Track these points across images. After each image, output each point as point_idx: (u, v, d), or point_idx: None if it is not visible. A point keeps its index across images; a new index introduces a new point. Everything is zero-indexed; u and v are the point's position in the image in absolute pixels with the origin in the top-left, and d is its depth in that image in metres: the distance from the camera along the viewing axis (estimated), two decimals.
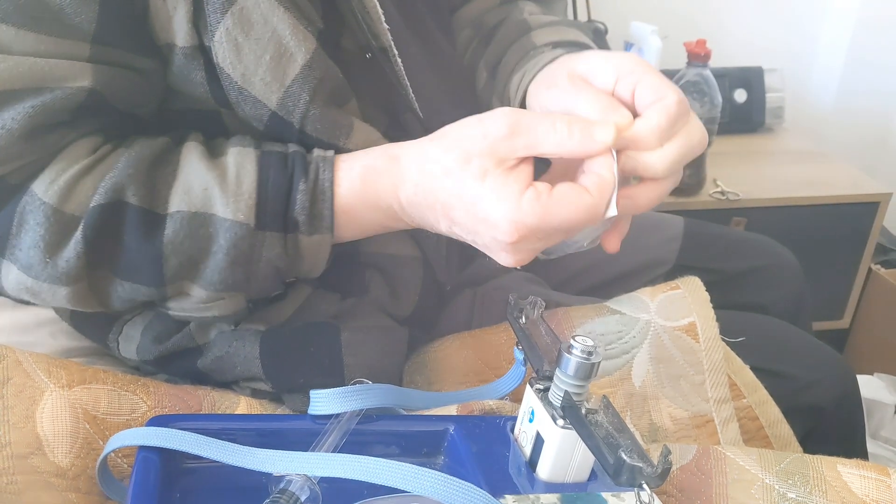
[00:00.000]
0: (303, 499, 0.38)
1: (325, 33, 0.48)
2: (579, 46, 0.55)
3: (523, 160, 0.43)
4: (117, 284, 0.47)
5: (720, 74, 1.27)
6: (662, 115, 0.44)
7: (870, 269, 1.34)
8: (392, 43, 0.50)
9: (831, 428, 0.70)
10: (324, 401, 0.45)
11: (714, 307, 0.63)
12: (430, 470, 0.37)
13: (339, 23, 0.49)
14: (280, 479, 0.39)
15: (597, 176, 0.43)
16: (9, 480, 0.42)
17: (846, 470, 0.49)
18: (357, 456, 0.39)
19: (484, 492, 0.37)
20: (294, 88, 0.46)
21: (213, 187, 0.45)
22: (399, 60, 0.51)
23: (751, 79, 1.41)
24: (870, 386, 1.21)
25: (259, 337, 0.54)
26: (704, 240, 0.79)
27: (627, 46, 1.34)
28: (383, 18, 0.49)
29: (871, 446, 1.07)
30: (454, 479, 0.37)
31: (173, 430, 0.42)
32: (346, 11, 0.49)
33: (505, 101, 0.57)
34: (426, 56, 0.59)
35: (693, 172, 1.22)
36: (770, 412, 0.61)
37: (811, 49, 1.58)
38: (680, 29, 1.38)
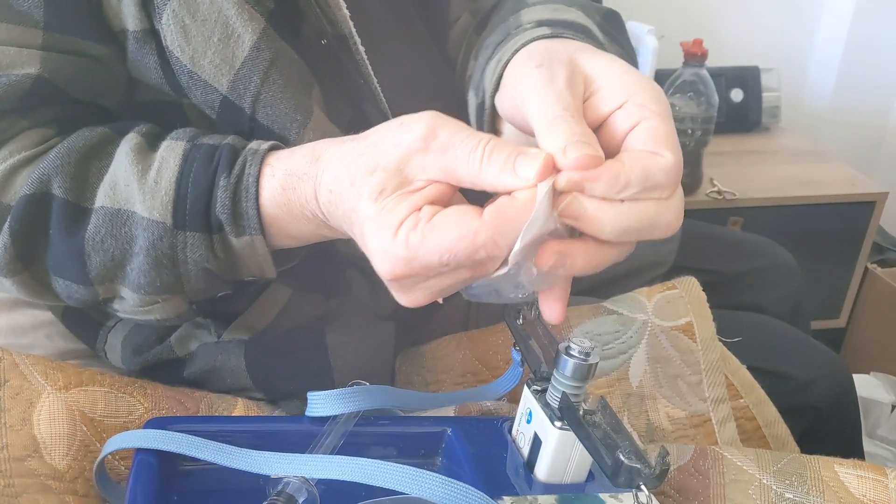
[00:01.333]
0: (300, 501, 0.38)
1: (278, 15, 0.46)
2: (574, 28, 0.45)
3: (432, 183, 0.36)
4: (53, 280, 0.45)
5: (716, 74, 1.28)
6: (645, 170, 0.34)
7: (866, 269, 1.35)
8: (353, 31, 0.49)
9: (828, 427, 0.70)
10: (321, 403, 0.45)
11: (712, 307, 0.63)
12: (427, 472, 0.37)
13: (293, 5, 0.47)
14: (278, 481, 0.39)
15: (499, 202, 0.35)
16: (6, 483, 0.42)
17: (843, 470, 0.49)
18: (354, 458, 0.39)
19: (482, 493, 0.37)
20: (244, 71, 0.44)
21: (132, 183, 0.43)
22: (362, 49, 0.49)
23: (747, 78, 1.42)
24: (866, 385, 1.21)
25: (243, 348, 0.54)
26: (703, 241, 0.79)
27: None
28: (344, 5, 0.48)
29: (867, 445, 1.07)
30: (452, 480, 0.37)
31: (170, 432, 0.42)
32: None
33: (479, 93, 0.48)
34: (408, 50, 0.57)
35: (690, 172, 1.22)
36: (767, 412, 0.61)
37: (807, 48, 1.58)
38: (676, 28, 1.38)
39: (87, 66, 0.45)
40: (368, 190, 0.36)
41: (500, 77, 0.42)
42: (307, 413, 0.45)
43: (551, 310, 0.39)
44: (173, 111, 0.49)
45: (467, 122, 0.65)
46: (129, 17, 0.44)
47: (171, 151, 0.43)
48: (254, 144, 0.44)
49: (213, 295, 0.47)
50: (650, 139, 0.35)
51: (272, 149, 0.43)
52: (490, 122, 0.45)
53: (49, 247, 0.44)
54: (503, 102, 0.42)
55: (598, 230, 0.35)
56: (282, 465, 0.40)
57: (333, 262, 0.55)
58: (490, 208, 0.35)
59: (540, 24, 0.46)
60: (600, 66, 0.38)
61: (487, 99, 0.44)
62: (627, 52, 0.50)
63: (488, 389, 0.53)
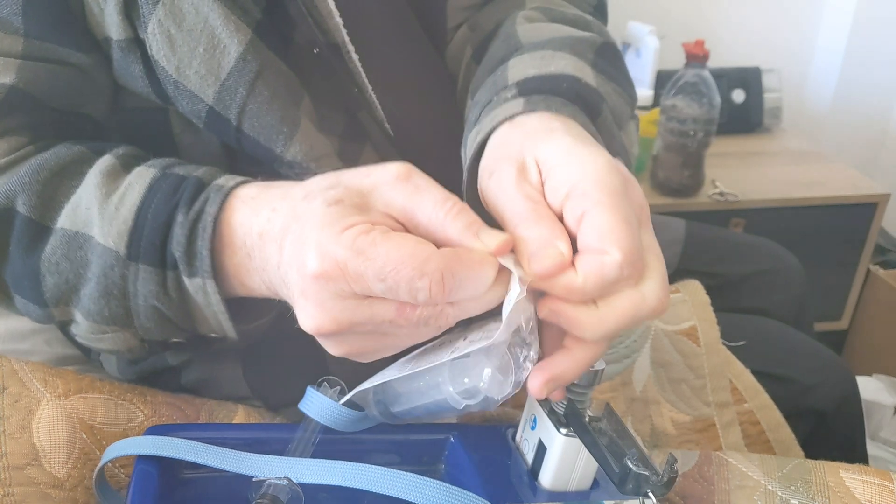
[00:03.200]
0: (285, 501, 0.38)
1: (266, 25, 0.45)
2: (558, 84, 0.43)
3: (389, 218, 0.35)
4: (13, 295, 0.44)
5: (718, 75, 1.27)
6: (597, 273, 0.33)
7: (868, 270, 1.34)
8: (347, 39, 0.48)
9: (832, 431, 0.70)
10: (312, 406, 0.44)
11: (715, 311, 0.63)
12: (430, 479, 0.37)
13: (284, 15, 0.47)
14: (260, 483, 0.39)
15: (457, 248, 0.34)
16: (5, 492, 0.41)
17: (849, 475, 0.48)
18: (357, 464, 0.39)
19: (484, 501, 0.37)
20: (230, 82, 0.44)
21: (94, 206, 0.41)
22: (356, 58, 0.49)
23: (748, 79, 1.42)
24: (869, 387, 1.20)
25: (240, 358, 0.53)
26: (706, 243, 0.78)
27: (624, 47, 1.34)
28: (336, 14, 0.47)
29: (870, 448, 1.07)
30: (455, 488, 0.37)
31: (170, 438, 0.42)
32: (290, 4, 0.46)
33: (465, 158, 0.45)
34: (405, 58, 0.56)
35: (692, 173, 1.22)
36: (772, 416, 0.61)
37: (808, 49, 1.58)
38: (677, 29, 1.38)
39: (67, 74, 0.44)
40: (324, 197, 0.35)
41: (476, 156, 0.42)
42: (300, 406, 0.44)
43: (535, 384, 0.37)
44: (160, 118, 0.48)
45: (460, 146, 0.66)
46: (113, 25, 0.43)
47: (139, 178, 0.42)
48: (221, 180, 0.42)
49: (165, 338, 0.44)
50: (594, 236, 0.34)
51: (242, 184, 0.41)
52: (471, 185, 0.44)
53: (8, 262, 0.43)
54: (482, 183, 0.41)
55: (580, 332, 0.35)
56: (282, 468, 0.39)
57: None
58: (447, 249, 0.34)
59: (520, 86, 0.44)
60: (547, 152, 0.37)
61: (465, 173, 0.44)
62: (623, 87, 0.49)
63: None
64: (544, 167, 0.36)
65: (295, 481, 0.39)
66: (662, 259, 0.36)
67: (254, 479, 0.39)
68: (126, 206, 0.41)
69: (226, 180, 0.41)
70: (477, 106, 0.47)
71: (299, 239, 0.35)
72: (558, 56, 0.46)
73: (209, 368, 0.53)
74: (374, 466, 0.38)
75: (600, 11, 0.59)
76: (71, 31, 0.44)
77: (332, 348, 0.37)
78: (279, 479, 0.39)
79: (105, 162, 0.43)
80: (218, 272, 0.39)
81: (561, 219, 0.35)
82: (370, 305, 0.34)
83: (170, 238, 0.40)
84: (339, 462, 0.40)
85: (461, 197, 0.39)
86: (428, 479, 0.37)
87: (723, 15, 1.51)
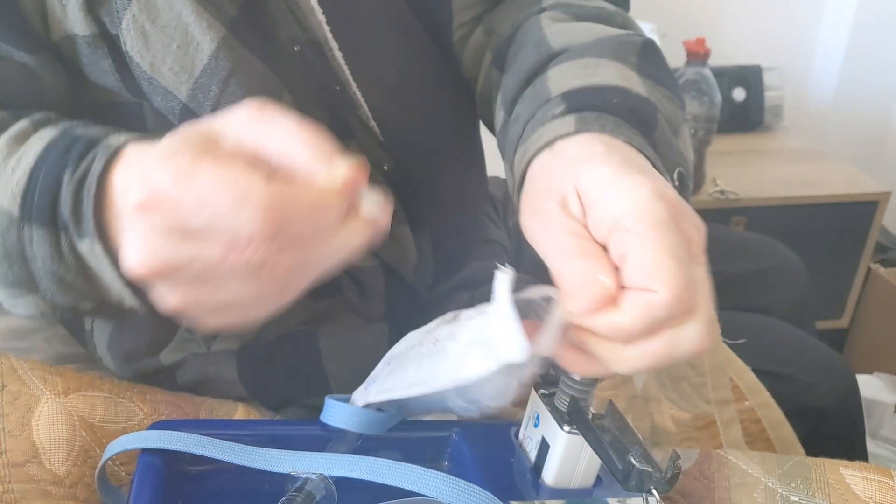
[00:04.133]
0: (318, 498, 0.38)
1: (241, 23, 0.44)
2: (606, 99, 0.41)
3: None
4: None
5: (718, 73, 1.27)
6: (639, 313, 0.32)
7: (869, 269, 1.35)
8: (329, 37, 0.47)
9: (832, 430, 0.70)
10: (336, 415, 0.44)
11: (716, 309, 0.63)
12: (438, 472, 0.37)
13: (264, 12, 0.46)
14: (297, 478, 0.39)
15: (294, 183, 0.31)
16: (5, 489, 0.41)
17: (849, 472, 0.48)
18: (368, 457, 0.38)
19: (493, 497, 0.37)
20: (203, 80, 0.43)
21: None
22: (338, 55, 0.48)
23: (749, 77, 1.42)
24: (869, 385, 1.21)
25: (234, 358, 0.53)
26: (708, 241, 0.78)
27: None
28: (319, 11, 0.47)
29: (870, 446, 1.07)
30: (461, 480, 0.37)
31: (176, 432, 0.41)
32: (270, 1, 0.45)
33: (511, 181, 0.44)
34: (399, 56, 0.55)
35: (693, 172, 1.22)
36: (772, 414, 0.61)
37: (809, 47, 1.58)
38: (678, 27, 1.38)
39: (11, 71, 0.43)
40: (167, 141, 0.32)
41: (523, 177, 0.41)
42: (322, 418, 0.44)
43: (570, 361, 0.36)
44: (134, 114, 0.47)
45: (464, 132, 0.64)
46: (76, 22, 0.43)
47: (39, 139, 0.40)
48: (113, 138, 0.39)
49: (72, 304, 0.42)
50: (640, 274, 0.32)
51: (132, 141, 0.38)
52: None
53: None
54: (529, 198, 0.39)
55: (611, 368, 0.34)
56: (293, 463, 0.39)
57: None
58: (281, 183, 0.30)
59: (567, 99, 0.42)
60: (587, 183, 0.34)
61: (514, 194, 0.42)
62: (671, 89, 0.46)
63: None
64: (585, 199, 0.34)
65: (312, 472, 0.39)
66: (710, 297, 0.33)
67: (290, 473, 0.39)
68: (21, 167, 0.39)
69: (116, 139, 0.38)
70: (519, 121, 0.45)
71: (130, 172, 0.33)
72: (602, 64, 0.44)
73: (204, 370, 0.53)
74: (385, 460, 0.38)
75: (622, 1, 0.57)
76: (13, 30, 0.43)
77: (163, 299, 0.34)
78: (315, 474, 0.38)
79: (17, 126, 0.42)
80: (104, 233, 0.37)
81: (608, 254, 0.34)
82: (193, 243, 0.31)
83: (59, 198, 0.38)
84: (350, 455, 0.40)
85: (513, 221, 0.38)
86: (436, 472, 0.37)
87: (723, 13, 1.50)
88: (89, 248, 0.37)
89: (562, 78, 0.44)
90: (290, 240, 0.31)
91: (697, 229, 0.35)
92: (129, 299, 0.39)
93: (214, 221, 0.30)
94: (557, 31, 0.49)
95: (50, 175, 0.38)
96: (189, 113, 0.44)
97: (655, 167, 0.38)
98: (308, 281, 0.33)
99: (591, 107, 0.40)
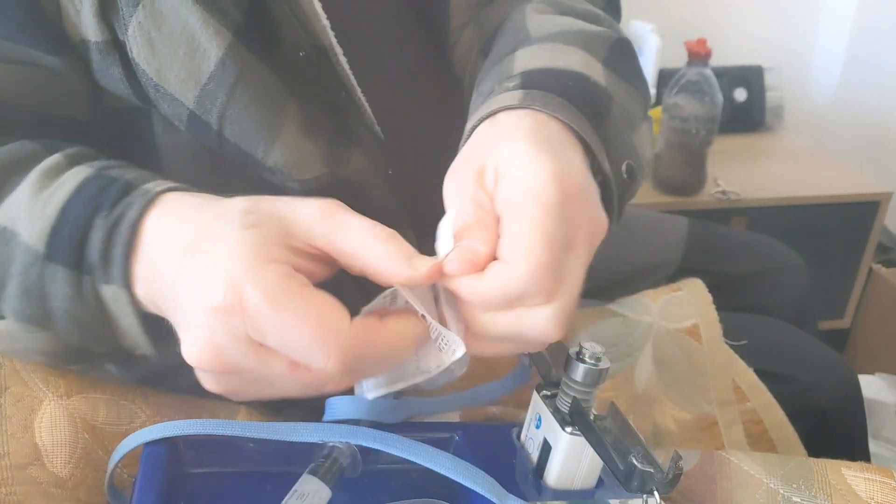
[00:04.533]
0: (344, 464, 0.38)
1: (247, 28, 0.44)
2: (562, 80, 0.42)
3: (312, 249, 0.34)
4: None
5: (719, 73, 1.27)
6: (494, 282, 0.33)
7: (871, 269, 1.34)
8: (334, 42, 0.47)
9: (834, 431, 0.70)
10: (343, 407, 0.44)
11: (718, 309, 0.63)
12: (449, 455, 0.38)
13: (268, 18, 0.46)
14: (323, 446, 0.39)
15: (370, 321, 0.34)
16: (8, 491, 0.41)
17: (851, 473, 0.48)
18: (382, 431, 0.39)
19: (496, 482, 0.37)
20: (210, 86, 0.43)
21: (25, 202, 0.40)
22: (343, 61, 0.48)
23: (750, 77, 1.42)
24: (871, 386, 1.20)
25: None
26: (709, 242, 0.78)
27: None
28: (323, 16, 0.46)
29: (872, 446, 1.07)
30: (468, 464, 0.38)
31: (182, 421, 0.41)
32: (274, 6, 0.45)
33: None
34: (401, 61, 0.55)
35: (694, 172, 1.22)
36: (774, 415, 0.61)
37: (810, 47, 1.58)
38: (679, 27, 1.38)
39: (39, 76, 0.44)
40: (241, 220, 0.33)
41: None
42: (327, 417, 0.44)
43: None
44: (142, 120, 0.47)
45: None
46: (90, 27, 0.43)
47: (74, 176, 0.40)
48: (150, 184, 0.39)
49: (84, 346, 0.43)
50: (508, 248, 0.33)
51: (170, 190, 0.39)
52: None
53: None
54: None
55: (471, 328, 0.36)
56: (311, 434, 0.39)
57: None
58: (362, 322, 0.32)
59: (524, 77, 0.43)
60: (502, 157, 0.36)
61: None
62: (636, 86, 0.47)
63: (494, 387, 0.52)
64: (499, 171, 0.36)
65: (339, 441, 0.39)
66: (574, 292, 0.34)
67: (318, 443, 0.39)
68: (52, 204, 0.39)
69: (154, 185, 0.39)
70: (480, 96, 0.46)
71: (208, 263, 0.33)
72: (569, 51, 0.45)
73: None
74: (416, 441, 0.39)
75: (613, 7, 0.58)
76: (41, 34, 0.43)
77: (207, 383, 0.35)
78: (340, 443, 0.39)
79: (51, 160, 0.42)
80: (129, 280, 0.37)
81: None
82: (262, 354, 0.32)
83: (88, 240, 0.38)
84: (364, 428, 0.40)
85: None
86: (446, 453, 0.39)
87: (724, 13, 1.50)
88: (114, 295, 0.38)
89: (526, 58, 0.45)
90: (366, 374, 0.34)
91: (592, 223, 0.36)
92: (144, 347, 0.40)
93: (290, 348, 0.31)
94: (539, 20, 0.50)
95: (82, 216, 0.38)
96: (196, 119, 0.44)
97: (593, 153, 0.40)
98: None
99: (544, 86, 0.41)
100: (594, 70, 0.44)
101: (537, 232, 0.33)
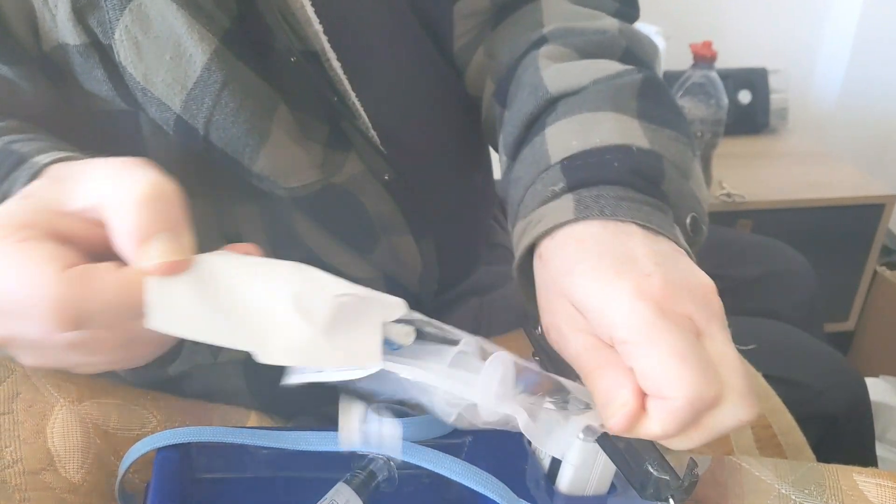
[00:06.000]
0: (380, 479, 0.38)
1: (235, 34, 0.44)
2: (603, 163, 0.40)
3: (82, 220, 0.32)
4: None
5: (724, 75, 1.27)
6: (668, 421, 0.32)
7: (875, 271, 1.34)
8: (327, 47, 0.47)
9: (842, 436, 0.70)
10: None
11: (726, 313, 0.63)
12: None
13: (259, 23, 0.45)
14: (363, 456, 0.39)
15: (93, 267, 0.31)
16: (21, 497, 0.41)
17: (862, 479, 0.48)
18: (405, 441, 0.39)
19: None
20: (196, 92, 0.42)
21: None
22: (336, 66, 0.48)
23: (754, 80, 1.41)
24: (875, 388, 1.20)
25: (242, 370, 0.52)
26: (717, 245, 0.78)
27: None
28: (316, 21, 0.46)
29: (877, 450, 1.07)
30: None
31: (192, 427, 0.41)
32: (265, 11, 0.45)
33: (515, 248, 0.43)
34: (401, 65, 0.54)
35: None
36: (783, 420, 0.61)
37: (814, 50, 1.58)
38: (683, 29, 1.38)
39: None
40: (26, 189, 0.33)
41: (527, 253, 0.41)
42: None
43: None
44: (130, 121, 0.47)
45: (469, 139, 0.64)
46: (66, 31, 0.42)
47: None
48: (41, 156, 0.38)
49: None
50: (650, 385, 0.32)
51: (58, 161, 0.37)
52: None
53: None
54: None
55: (674, 446, 0.35)
56: (330, 443, 0.39)
57: (324, 269, 0.54)
58: (77, 269, 0.30)
59: (566, 169, 0.41)
60: (576, 299, 0.35)
61: (515, 269, 0.42)
62: (676, 126, 0.45)
63: None
64: (581, 311, 0.35)
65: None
66: (738, 366, 0.32)
67: (357, 452, 0.39)
68: None
69: (44, 157, 0.38)
70: (520, 184, 0.44)
71: None
72: (600, 119, 0.43)
73: (210, 382, 0.53)
74: (409, 442, 0.39)
75: (627, 3, 0.55)
76: None
77: (19, 357, 0.34)
78: (380, 455, 0.39)
79: None
80: None
81: None
82: (9, 321, 0.31)
83: None
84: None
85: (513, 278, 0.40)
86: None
87: (728, 15, 1.50)
88: None
89: (560, 138, 0.43)
90: (102, 323, 0.31)
91: (701, 298, 0.34)
92: None
93: (15, 310, 0.30)
94: (554, 73, 0.48)
95: None
96: (183, 124, 0.44)
97: (661, 229, 0.38)
98: (151, 342, 0.34)
99: (591, 179, 0.40)
100: (633, 133, 0.42)
101: (664, 355, 0.31)
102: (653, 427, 0.32)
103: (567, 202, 0.39)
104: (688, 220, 0.41)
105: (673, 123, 0.45)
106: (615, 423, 0.33)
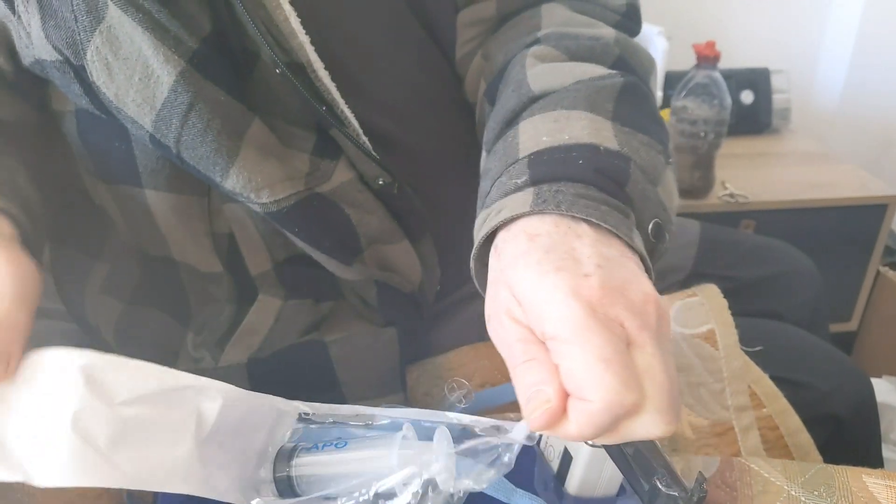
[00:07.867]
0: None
1: (206, 54, 0.44)
2: (568, 160, 0.40)
3: None
4: None
5: (726, 76, 1.27)
6: (584, 423, 0.32)
7: (878, 272, 1.34)
8: (313, 58, 0.47)
9: (848, 437, 0.70)
10: None
11: (732, 315, 0.63)
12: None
13: (241, 35, 0.45)
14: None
15: None
16: (31, 501, 0.41)
17: (872, 480, 0.48)
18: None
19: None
20: (164, 112, 0.43)
21: None
22: (323, 76, 0.48)
23: (757, 80, 1.41)
24: (878, 389, 1.19)
25: (245, 372, 0.53)
26: (721, 246, 0.78)
27: None
28: (301, 32, 0.46)
29: (882, 451, 1.07)
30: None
31: None
32: (248, 25, 0.45)
33: (475, 233, 0.43)
34: (400, 72, 0.54)
35: (703, 175, 1.22)
36: (790, 421, 0.61)
37: (816, 50, 1.58)
38: (685, 30, 1.38)
39: None
40: None
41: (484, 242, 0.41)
42: None
43: None
44: (117, 123, 0.47)
45: (466, 141, 0.62)
46: (42, 48, 0.44)
47: None
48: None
49: None
50: (572, 384, 0.32)
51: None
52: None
53: None
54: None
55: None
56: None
57: (319, 267, 0.54)
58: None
59: (532, 164, 0.41)
60: (516, 290, 0.35)
61: (472, 256, 0.42)
62: (652, 133, 0.45)
63: (508, 390, 0.52)
64: (523, 307, 0.35)
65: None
66: (663, 380, 0.32)
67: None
68: None
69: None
70: (488, 177, 0.45)
71: None
72: (573, 117, 0.43)
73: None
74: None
75: (630, 18, 0.56)
76: None
77: None
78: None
79: None
80: None
81: None
82: None
83: None
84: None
85: (470, 261, 0.40)
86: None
87: (731, 16, 1.50)
88: None
89: (531, 133, 0.43)
90: None
91: (638, 306, 0.33)
92: None
93: None
94: (539, 72, 0.48)
95: None
96: (156, 141, 0.45)
97: (617, 230, 0.37)
98: None
99: (553, 175, 0.39)
100: (603, 134, 0.42)
101: (588, 357, 0.31)
102: (570, 427, 0.32)
103: (527, 195, 0.39)
104: (650, 226, 0.41)
105: (648, 130, 0.45)
106: (535, 419, 0.32)
